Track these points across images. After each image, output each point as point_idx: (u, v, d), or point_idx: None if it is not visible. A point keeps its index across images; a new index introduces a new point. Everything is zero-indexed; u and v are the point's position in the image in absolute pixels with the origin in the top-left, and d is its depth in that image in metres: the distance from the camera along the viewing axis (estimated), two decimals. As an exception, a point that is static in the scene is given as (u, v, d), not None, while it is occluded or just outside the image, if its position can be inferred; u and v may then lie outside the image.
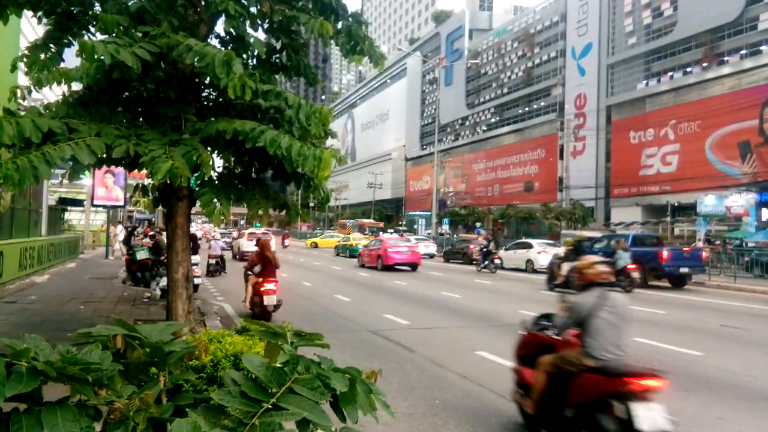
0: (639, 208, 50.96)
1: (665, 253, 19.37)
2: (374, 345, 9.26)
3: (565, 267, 18.61)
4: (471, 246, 31.99)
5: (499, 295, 16.84)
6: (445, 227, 57.14)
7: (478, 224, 61.52)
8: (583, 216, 48.50)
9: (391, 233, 44.24)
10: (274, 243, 35.30)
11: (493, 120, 74.38)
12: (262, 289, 10.92)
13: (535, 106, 66.71)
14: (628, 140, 52.52)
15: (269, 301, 10.87)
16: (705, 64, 46.93)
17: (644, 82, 52.54)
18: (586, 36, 58.53)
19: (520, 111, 69.13)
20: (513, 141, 68.69)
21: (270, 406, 1.52)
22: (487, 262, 25.78)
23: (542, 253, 26.03)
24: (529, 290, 18.42)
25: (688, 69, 48.57)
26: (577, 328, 4.81)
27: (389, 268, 25.22)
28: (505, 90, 71.95)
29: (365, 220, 67.94)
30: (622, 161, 53.01)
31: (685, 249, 21.12)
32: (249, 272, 11.44)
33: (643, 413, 4.17)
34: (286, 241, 45.42)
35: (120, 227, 28.33)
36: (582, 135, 56.22)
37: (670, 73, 50.19)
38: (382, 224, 64.41)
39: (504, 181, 69.34)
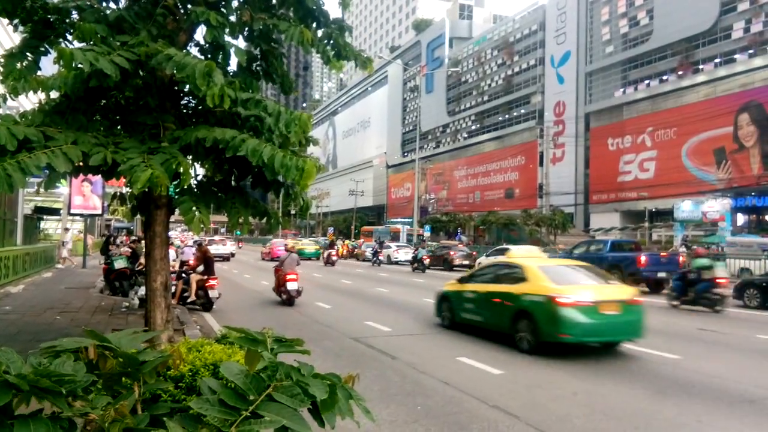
0: (618, 213, 51.63)
1: (643, 258, 19.62)
2: (356, 352, 9.24)
3: (326, 252, 34.91)
4: (451, 252, 32.17)
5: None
6: (426, 234, 57.11)
7: (459, 230, 61.74)
8: (563, 222, 48.92)
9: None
10: (231, 247, 43.90)
11: (473, 127, 74.95)
12: (207, 284, 13.64)
13: (515, 114, 67.36)
14: (607, 147, 53.23)
15: (213, 294, 13.71)
16: (680, 73, 47.82)
17: (621, 89, 53.36)
18: (564, 44, 59.34)
19: (500, 118, 69.74)
20: (493, 148, 69.26)
21: (249, 414, 1.51)
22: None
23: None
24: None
25: (664, 77, 49.46)
26: (281, 265, 15.56)
27: (274, 259, 35.97)
28: (486, 98, 72.58)
29: (400, 226, 60.74)
30: (600, 168, 53.69)
31: (662, 254, 21.43)
32: (191, 272, 14.15)
33: (290, 285, 15.06)
34: (240, 245, 64.69)
35: (68, 234, 26.49)
36: (561, 142, 56.92)
37: (647, 81, 51.06)
38: (421, 231, 57.32)
39: (485, 188, 69.80)
